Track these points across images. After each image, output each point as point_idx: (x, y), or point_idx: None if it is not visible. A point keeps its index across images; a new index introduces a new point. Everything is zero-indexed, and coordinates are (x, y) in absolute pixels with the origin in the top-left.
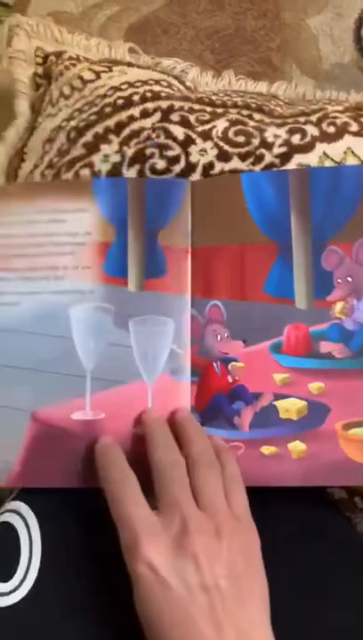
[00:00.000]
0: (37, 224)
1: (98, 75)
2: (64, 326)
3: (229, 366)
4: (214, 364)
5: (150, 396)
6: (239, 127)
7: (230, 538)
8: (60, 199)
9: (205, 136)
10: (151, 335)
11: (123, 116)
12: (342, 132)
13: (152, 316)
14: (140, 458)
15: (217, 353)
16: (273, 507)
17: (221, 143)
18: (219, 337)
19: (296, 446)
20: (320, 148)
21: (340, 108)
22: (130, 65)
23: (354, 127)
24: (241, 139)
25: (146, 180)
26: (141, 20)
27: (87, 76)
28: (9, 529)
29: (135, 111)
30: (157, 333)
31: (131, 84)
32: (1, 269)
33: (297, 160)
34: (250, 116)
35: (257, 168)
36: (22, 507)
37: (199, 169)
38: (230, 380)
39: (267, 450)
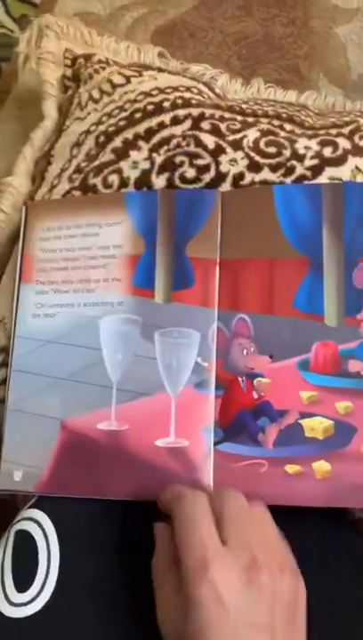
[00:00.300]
0: (73, 238)
1: (128, 79)
2: (94, 337)
3: (255, 382)
4: (240, 379)
5: (173, 409)
6: (270, 137)
7: (290, 575)
8: (95, 213)
9: (236, 145)
10: (176, 347)
11: (153, 122)
12: None
13: (178, 327)
14: (163, 470)
15: (243, 367)
16: (289, 523)
17: (252, 153)
18: (245, 351)
19: (321, 466)
20: (353, 161)
21: None
22: (160, 70)
23: None
24: (272, 149)
25: (176, 191)
26: (167, 24)
27: (117, 80)
28: (26, 537)
29: (166, 118)
30: (182, 345)
31: (161, 90)
32: (41, 282)
33: (329, 173)
34: (281, 127)
35: (288, 180)
36: (39, 514)
37: (229, 179)
38: (256, 395)
39: (291, 468)
